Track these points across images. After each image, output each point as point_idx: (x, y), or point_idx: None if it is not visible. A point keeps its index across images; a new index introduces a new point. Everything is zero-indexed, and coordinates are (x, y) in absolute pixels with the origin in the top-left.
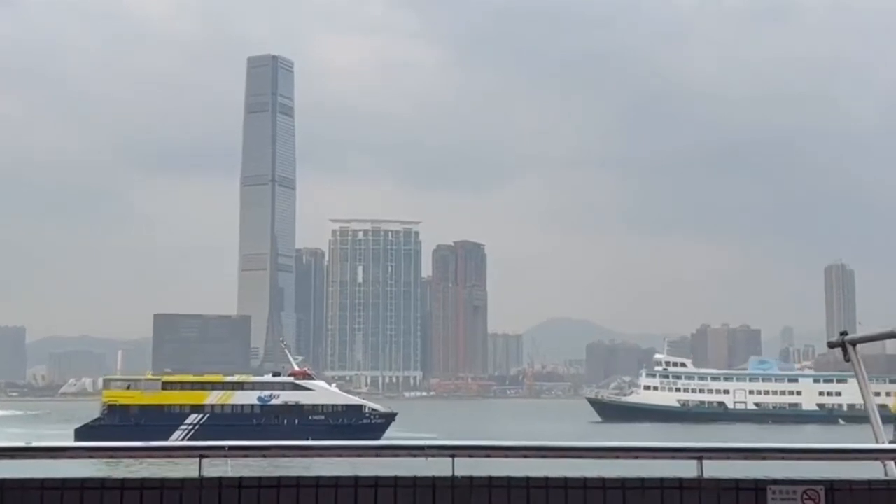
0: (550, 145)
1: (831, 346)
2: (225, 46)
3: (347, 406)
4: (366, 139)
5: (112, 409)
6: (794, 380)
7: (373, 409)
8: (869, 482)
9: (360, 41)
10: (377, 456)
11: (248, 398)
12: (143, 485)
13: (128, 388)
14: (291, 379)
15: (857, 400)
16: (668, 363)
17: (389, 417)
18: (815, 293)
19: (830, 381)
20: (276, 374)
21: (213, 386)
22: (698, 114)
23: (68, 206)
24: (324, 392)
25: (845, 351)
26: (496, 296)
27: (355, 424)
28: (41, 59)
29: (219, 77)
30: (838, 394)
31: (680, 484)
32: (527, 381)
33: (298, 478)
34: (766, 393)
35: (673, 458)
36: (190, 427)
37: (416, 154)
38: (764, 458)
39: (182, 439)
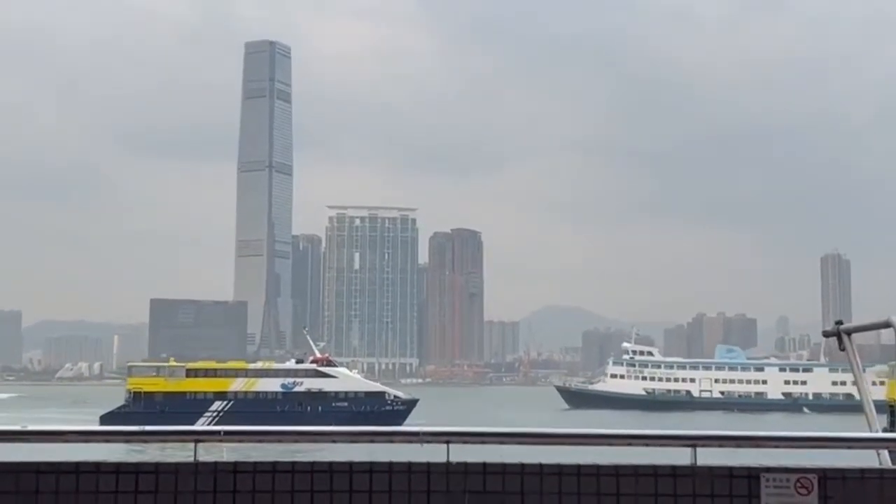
0: (550, 132)
1: (826, 335)
2: (222, 30)
3: (370, 393)
4: (363, 125)
5: (137, 396)
6: (759, 369)
7: (395, 396)
8: (862, 471)
9: (358, 27)
10: (371, 442)
11: (272, 385)
12: (137, 469)
13: (168, 375)
14: (314, 366)
15: (823, 389)
16: (635, 352)
17: (411, 404)
18: (811, 283)
19: (796, 370)
20: (299, 361)
21: (237, 373)
22: (700, 102)
23: (65, 190)
24: (346, 379)
25: (840, 340)
26: (493, 283)
27: (378, 411)
28: (32, 42)
29: (216, 62)
30: (804, 383)
31: (673, 471)
32: (522, 369)
33: (293, 463)
34: (732, 381)
35: (666, 445)
36: (214, 414)
37: (413, 141)
38: (758, 446)
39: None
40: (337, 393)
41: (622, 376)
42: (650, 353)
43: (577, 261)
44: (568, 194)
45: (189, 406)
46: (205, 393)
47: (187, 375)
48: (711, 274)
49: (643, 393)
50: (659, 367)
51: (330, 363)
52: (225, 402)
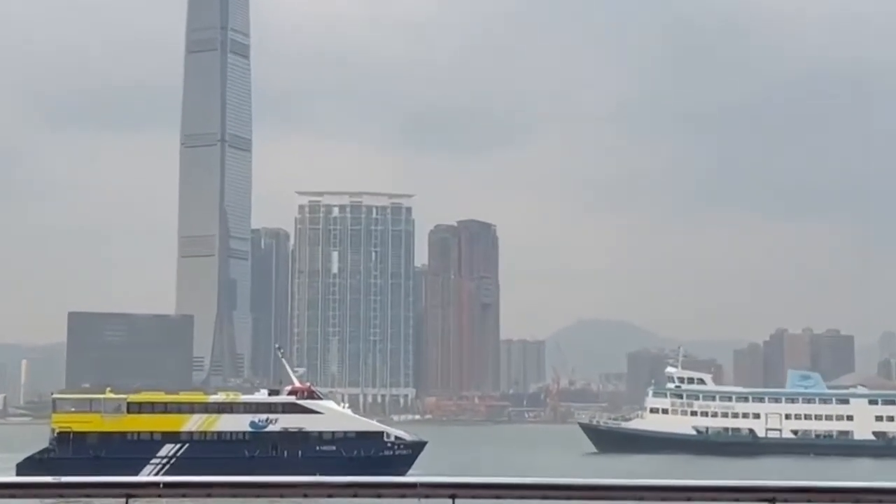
0: (580, 96)
1: None
2: None
3: (364, 433)
4: (344, 89)
5: (64, 438)
6: (844, 400)
7: (397, 437)
8: None
9: None
10: (355, 496)
11: (238, 423)
12: None
13: (105, 410)
14: (292, 398)
15: None
16: (682, 379)
17: (417, 448)
18: None
19: (891, 402)
20: (272, 392)
21: (193, 408)
22: (774, 53)
23: None
24: (334, 415)
25: None
26: (511, 290)
27: (375, 457)
28: None
29: (152, 5)
30: None
31: None
32: (550, 401)
33: None
34: (808, 417)
35: (738, 500)
36: (164, 460)
37: (409, 108)
38: (858, 501)
39: (154, 476)
40: (322, 433)
41: (665, 411)
42: (701, 381)
43: (620, 261)
44: (606, 174)
45: (132, 450)
46: (151, 433)
47: (129, 411)
48: (794, 278)
49: (693, 432)
50: (713, 398)
51: (312, 395)
52: (178, 445)
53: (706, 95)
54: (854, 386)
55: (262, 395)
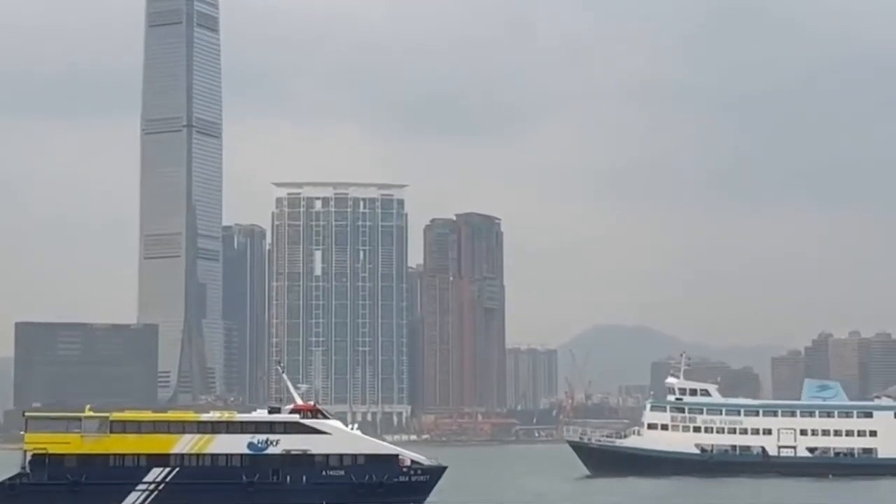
0: (595, 72)
1: None
2: None
3: (376, 456)
4: (328, 67)
5: (38, 461)
6: (866, 413)
7: (413, 461)
8: None
9: None
10: None
11: (235, 445)
12: None
13: (85, 429)
14: (296, 417)
15: None
16: (683, 390)
17: (436, 473)
18: None
19: None
20: (273, 410)
21: (185, 427)
22: (815, 26)
23: None
24: (342, 436)
25: None
26: (518, 293)
27: (389, 483)
28: None
29: None
30: None
31: None
32: (563, 418)
33: None
34: (826, 433)
35: None
36: (151, 486)
37: (398, 88)
38: None
39: None
40: (329, 456)
41: (665, 426)
42: (706, 393)
43: (641, 259)
44: (623, 162)
45: (115, 475)
46: (137, 456)
47: (112, 430)
48: (839, 275)
49: (696, 450)
50: (719, 412)
51: (318, 413)
52: (166, 470)
53: (738, 69)
54: (879, 397)
55: (261, 414)
